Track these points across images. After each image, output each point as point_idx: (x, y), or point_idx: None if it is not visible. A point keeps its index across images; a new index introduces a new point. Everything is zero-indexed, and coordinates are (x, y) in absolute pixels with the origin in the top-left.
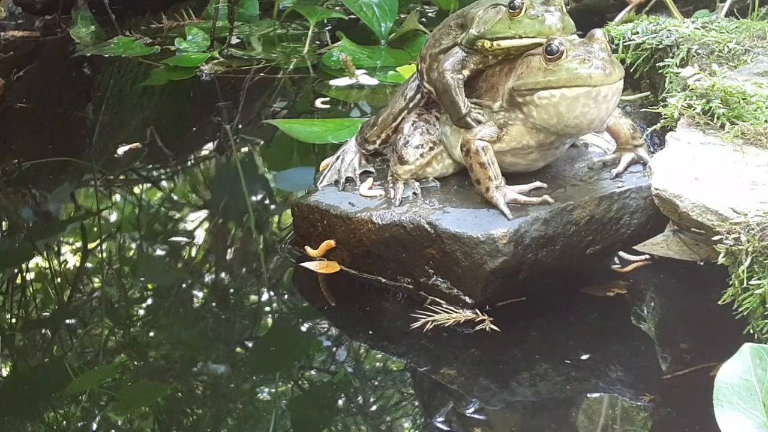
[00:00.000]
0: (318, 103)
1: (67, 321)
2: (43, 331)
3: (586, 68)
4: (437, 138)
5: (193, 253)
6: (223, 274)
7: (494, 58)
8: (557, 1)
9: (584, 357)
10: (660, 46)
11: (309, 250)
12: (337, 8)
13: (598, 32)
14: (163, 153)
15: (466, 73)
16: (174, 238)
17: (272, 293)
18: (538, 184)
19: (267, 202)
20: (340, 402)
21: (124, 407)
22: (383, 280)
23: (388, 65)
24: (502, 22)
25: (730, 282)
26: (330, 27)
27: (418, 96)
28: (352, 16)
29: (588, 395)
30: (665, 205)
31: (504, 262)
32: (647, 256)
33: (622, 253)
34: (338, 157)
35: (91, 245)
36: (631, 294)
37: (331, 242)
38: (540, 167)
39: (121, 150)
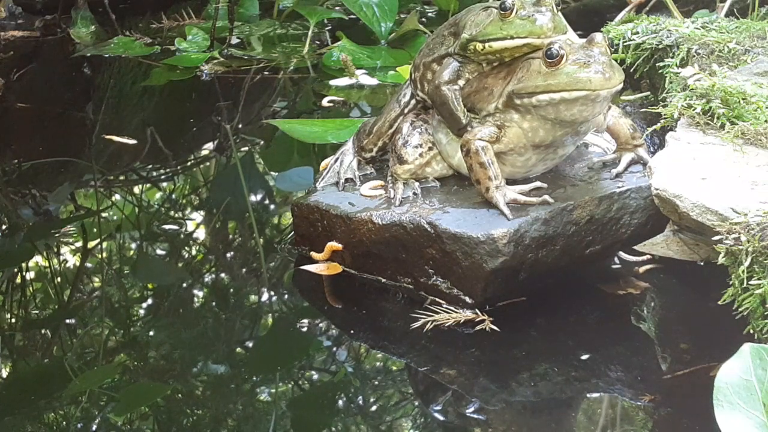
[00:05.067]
0: (325, 102)
1: (67, 321)
2: (43, 331)
3: (586, 73)
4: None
5: (193, 253)
6: (223, 274)
7: (488, 64)
8: (548, 1)
9: (584, 357)
10: (660, 46)
11: (314, 254)
12: (337, 8)
13: (598, 36)
14: (163, 153)
15: (461, 83)
16: (174, 238)
17: (272, 293)
18: (538, 184)
19: (267, 202)
20: (340, 402)
21: (124, 407)
22: (383, 280)
23: (388, 65)
24: (493, 24)
25: (730, 282)
26: (330, 27)
27: (413, 102)
28: (352, 16)
29: (588, 395)
30: (665, 205)
31: (504, 262)
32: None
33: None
34: (337, 159)
35: (91, 245)
36: (632, 294)
37: (337, 245)
38: (539, 173)
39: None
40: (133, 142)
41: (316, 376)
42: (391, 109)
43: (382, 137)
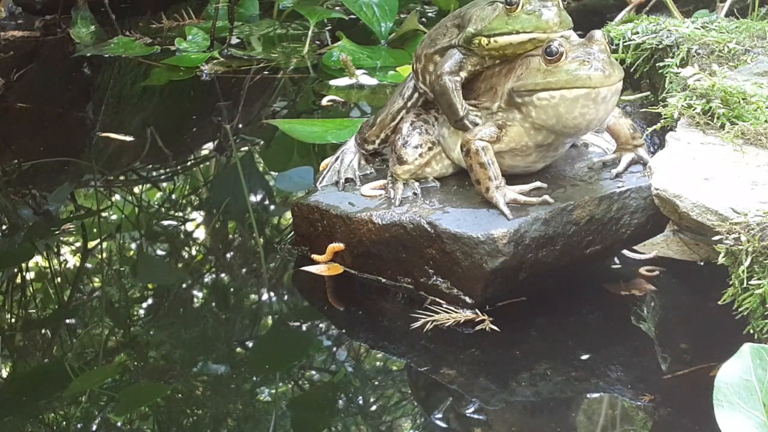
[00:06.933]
0: (325, 101)
1: (67, 321)
2: (43, 331)
3: (586, 70)
4: (436, 138)
5: (193, 253)
6: (223, 275)
7: (491, 59)
8: None
9: (584, 357)
10: (660, 46)
11: (315, 256)
12: (337, 8)
13: (597, 34)
14: (163, 153)
15: (463, 75)
16: (174, 238)
17: (272, 293)
18: (538, 184)
19: (267, 202)
20: (340, 402)
21: (124, 407)
22: (383, 280)
23: (388, 65)
24: (499, 19)
25: (730, 282)
26: (330, 27)
27: (416, 95)
28: (352, 16)
29: (588, 395)
30: (665, 205)
31: (504, 262)
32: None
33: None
34: (337, 158)
35: (91, 245)
36: (633, 294)
37: (339, 245)
38: (539, 168)
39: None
40: (130, 139)
41: (316, 376)
42: (395, 101)
43: (385, 129)
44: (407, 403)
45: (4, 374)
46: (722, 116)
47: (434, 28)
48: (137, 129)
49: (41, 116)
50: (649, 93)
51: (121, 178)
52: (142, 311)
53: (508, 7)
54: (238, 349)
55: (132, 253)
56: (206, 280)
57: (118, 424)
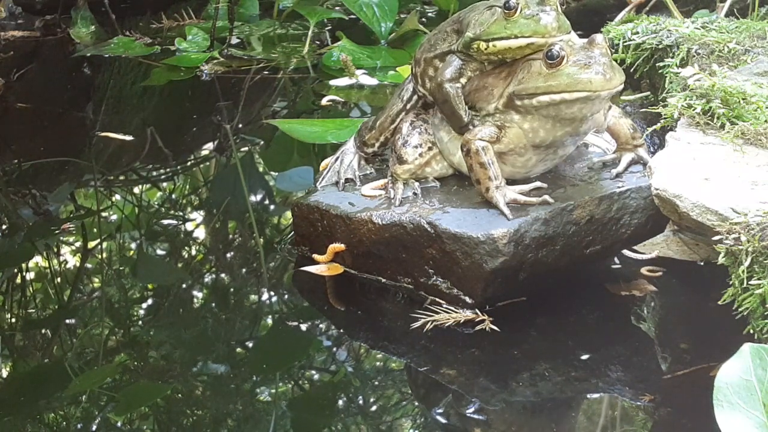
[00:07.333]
0: (325, 101)
1: (67, 321)
2: (43, 331)
3: (587, 73)
4: (435, 139)
5: (193, 253)
6: (223, 275)
7: (490, 63)
8: (552, 0)
9: (584, 357)
10: (660, 46)
11: (316, 257)
12: (337, 8)
13: (598, 37)
14: (163, 153)
15: (463, 81)
16: (174, 238)
17: (272, 293)
18: (538, 184)
19: (267, 202)
20: (340, 402)
21: (124, 407)
22: (383, 280)
23: (388, 65)
24: (497, 23)
25: (730, 282)
26: (330, 27)
27: (415, 98)
28: (352, 16)
29: (588, 395)
30: (665, 205)
31: (504, 262)
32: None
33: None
34: (337, 158)
35: (91, 245)
36: (633, 294)
37: (340, 246)
38: (539, 173)
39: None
40: (130, 138)
41: (316, 376)
42: (394, 104)
43: (384, 132)
44: (407, 403)
45: (4, 374)
46: (722, 116)
47: (433, 32)
48: (137, 129)
49: (41, 116)
50: (649, 93)
51: (121, 178)
52: (142, 311)
53: (506, 11)
54: (238, 349)
55: (132, 253)
56: (206, 280)
57: (118, 424)
